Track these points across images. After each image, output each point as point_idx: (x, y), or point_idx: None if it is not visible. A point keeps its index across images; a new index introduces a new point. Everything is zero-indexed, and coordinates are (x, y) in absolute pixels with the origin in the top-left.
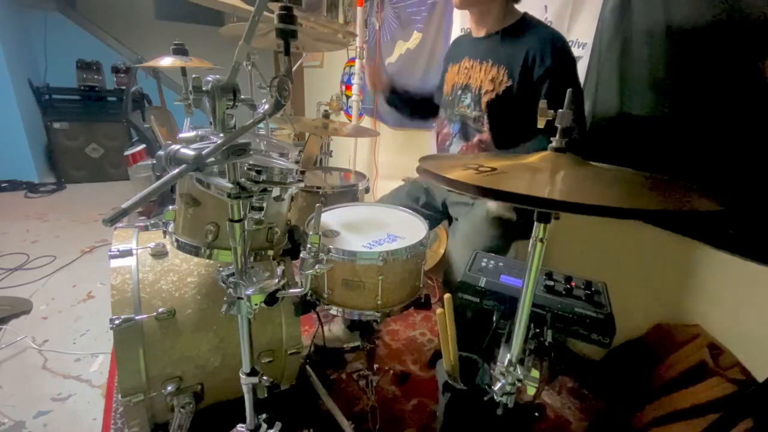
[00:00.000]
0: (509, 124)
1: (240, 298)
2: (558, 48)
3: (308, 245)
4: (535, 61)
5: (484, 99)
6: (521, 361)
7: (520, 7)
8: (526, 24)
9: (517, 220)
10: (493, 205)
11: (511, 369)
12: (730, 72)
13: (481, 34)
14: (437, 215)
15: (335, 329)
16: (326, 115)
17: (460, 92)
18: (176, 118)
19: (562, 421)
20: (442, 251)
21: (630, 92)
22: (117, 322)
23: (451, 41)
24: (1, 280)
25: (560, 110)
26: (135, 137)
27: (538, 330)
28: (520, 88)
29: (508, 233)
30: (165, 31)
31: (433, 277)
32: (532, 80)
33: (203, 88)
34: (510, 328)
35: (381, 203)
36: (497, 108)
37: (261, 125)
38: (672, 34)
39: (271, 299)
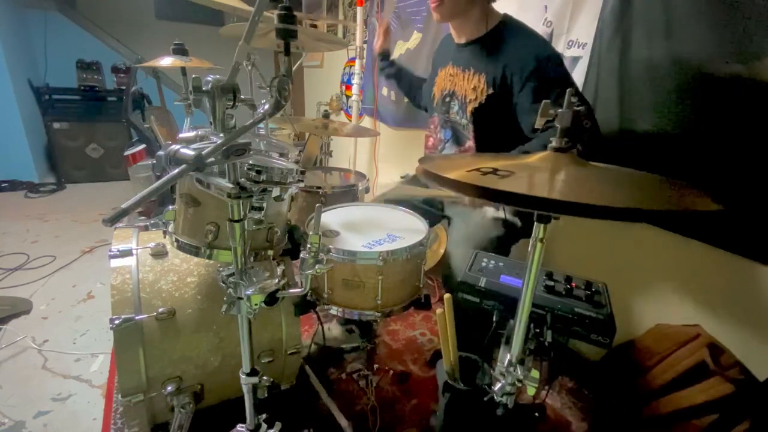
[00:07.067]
0: (492, 132)
1: (240, 298)
2: (540, 50)
3: (308, 245)
4: (515, 67)
5: (469, 108)
6: (521, 361)
7: (502, 8)
8: (505, 29)
9: (522, 225)
10: (491, 208)
11: (511, 369)
12: (731, 70)
13: (462, 40)
14: (438, 212)
15: (333, 330)
16: (326, 115)
17: (448, 99)
18: (176, 118)
19: (562, 421)
20: (442, 251)
21: (630, 92)
22: (117, 322)
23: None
24: (1, 280)
25: (560, 110)
26: (135, 137)
27: (538, 330)
28: (500, 95)
29: (508, 237)
30: (165, 31)
31: (433, 277)
32: (512, 87)
33: (203, 88)
34: (510, 328)
35: (380, 203)
36: (481, 116)
37: (261, 125)
38: (672, 34)
39: (271, 299)
